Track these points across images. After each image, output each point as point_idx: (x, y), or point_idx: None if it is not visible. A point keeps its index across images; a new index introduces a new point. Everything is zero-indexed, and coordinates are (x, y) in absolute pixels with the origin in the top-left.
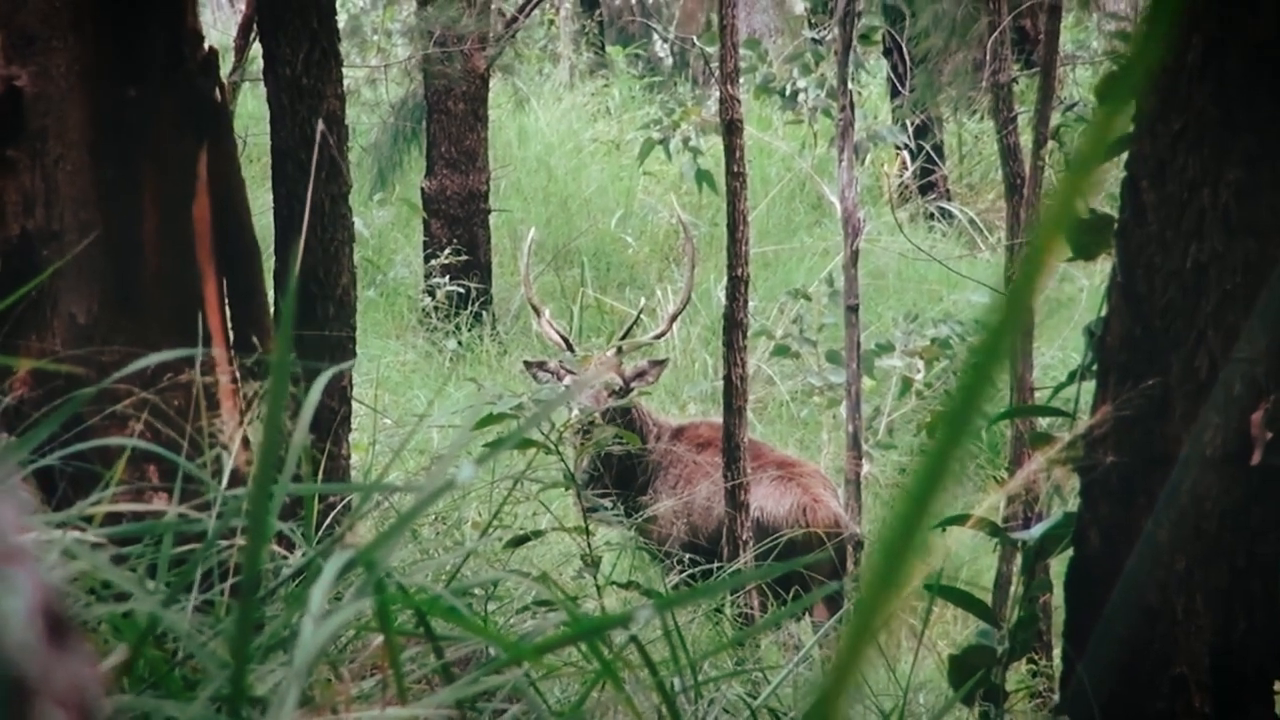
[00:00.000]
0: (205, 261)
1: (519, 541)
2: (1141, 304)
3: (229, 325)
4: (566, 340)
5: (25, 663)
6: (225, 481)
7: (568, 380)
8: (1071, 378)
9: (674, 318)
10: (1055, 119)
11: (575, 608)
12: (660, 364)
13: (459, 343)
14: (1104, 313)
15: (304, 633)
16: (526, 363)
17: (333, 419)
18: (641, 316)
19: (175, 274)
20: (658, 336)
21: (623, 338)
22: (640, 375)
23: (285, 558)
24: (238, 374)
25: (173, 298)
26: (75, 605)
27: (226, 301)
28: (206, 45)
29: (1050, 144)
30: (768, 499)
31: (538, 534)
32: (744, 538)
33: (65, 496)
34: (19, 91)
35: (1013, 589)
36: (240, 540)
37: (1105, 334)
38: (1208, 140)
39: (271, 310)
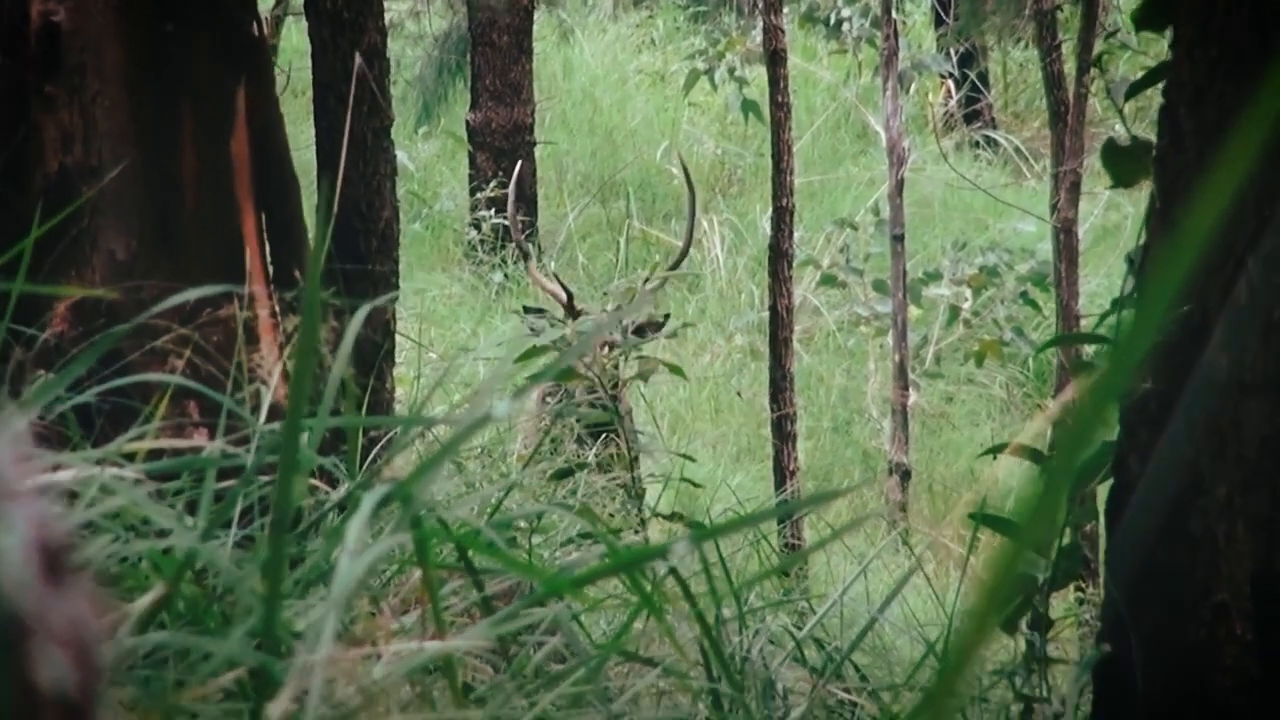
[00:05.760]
0: (244, 197)
1: (563, 474)
2: (1180, 230)
3: (268, 260)
4: (567, 291)
5: (21, 600)
6: (264, 416)
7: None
8: (1115, 306)
9: (675, 265)
10: (1098, 46)
11: (615, 540)
12: (661, 324)
13: (505, 275)
14: (1143, 240)
15: (340, 566)
16: (525, 308)
17: (376, 353)
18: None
19: (214, 209)
20: (654, 289)
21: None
22: (640, 330)
23: (327, 493)
24: (277, 309)
25: (212, 233)
26: (78, 543)
27: (265, 236)
28: None
29: (1093, 71)
30: None
31: (581, 467)
32: (791, 468)
33: (104, 433)
34: (56, 27)
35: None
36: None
37: (1144, 261)
38: (1245, 66)
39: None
